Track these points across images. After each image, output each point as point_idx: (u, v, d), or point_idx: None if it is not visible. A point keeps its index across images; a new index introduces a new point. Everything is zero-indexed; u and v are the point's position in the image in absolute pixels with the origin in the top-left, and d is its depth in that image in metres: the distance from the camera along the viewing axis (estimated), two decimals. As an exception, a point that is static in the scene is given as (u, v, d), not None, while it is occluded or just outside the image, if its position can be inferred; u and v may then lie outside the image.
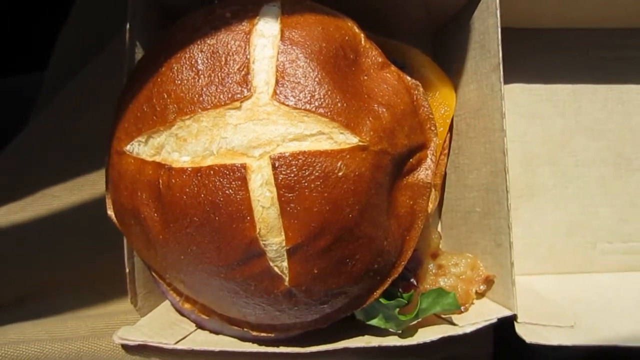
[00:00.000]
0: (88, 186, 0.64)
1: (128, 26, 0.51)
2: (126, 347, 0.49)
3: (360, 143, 0.42)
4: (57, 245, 0.63)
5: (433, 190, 0.58)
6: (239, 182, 0.40)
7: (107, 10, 0.68)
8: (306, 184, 0.40)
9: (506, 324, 0.50)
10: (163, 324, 0.53)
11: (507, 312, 0.50)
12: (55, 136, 0.65)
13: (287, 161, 0.40)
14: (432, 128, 0.49)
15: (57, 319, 0.60)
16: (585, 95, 0.66)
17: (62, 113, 0.65)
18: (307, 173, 0.40)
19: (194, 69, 0.43)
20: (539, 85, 0.66)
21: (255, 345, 0.51)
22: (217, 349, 0.49)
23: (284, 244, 0.42)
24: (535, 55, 0.66)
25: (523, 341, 0.47)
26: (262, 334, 0.49)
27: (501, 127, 0.52)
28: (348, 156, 0.41)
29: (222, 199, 0.41)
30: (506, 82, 0.53)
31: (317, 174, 0.40)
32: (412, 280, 0.51)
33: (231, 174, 0.41)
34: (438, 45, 0.67)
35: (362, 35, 0.47)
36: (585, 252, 0.65)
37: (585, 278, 0.64)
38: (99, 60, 0.65)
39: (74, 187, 0.64)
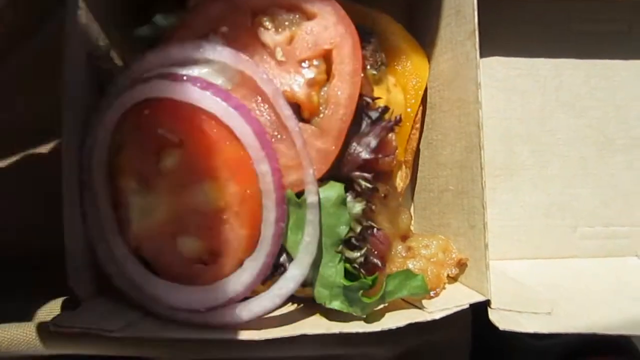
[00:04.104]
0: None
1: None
2: (62, 335, 0.45)
3: None
4: None
5: (403, 167, 0.55)
6: None
7: None
8: None
9: (485, 309, 0.47)
10: (108, 310, 0.49)
11: (480, 298, 0.48)
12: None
13: None
14: None
15: None
16: (566, 70, 0.64)
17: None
18: None
19: None
20: (519, 59, 0.63)
21: (207, 332, 0.46)
22: (165, 335, 0.45)
23: None
24: (514, 27, 0.63)
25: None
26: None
27: (476, 98, 0.49)
28: None
29: None
30: (484, 55, 0.50)
31: None
32: (376, 261, 0.47)
33: None
34: (414, 13, 0.64)
35: None
36: (564, 235, 0.63)
37: (564, 263, 0.62)
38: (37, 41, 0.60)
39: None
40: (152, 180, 0.47)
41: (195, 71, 0.46)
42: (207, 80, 0.45)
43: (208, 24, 0.48)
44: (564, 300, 0.51)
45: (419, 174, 0.61)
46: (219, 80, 0.46)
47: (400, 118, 0.48)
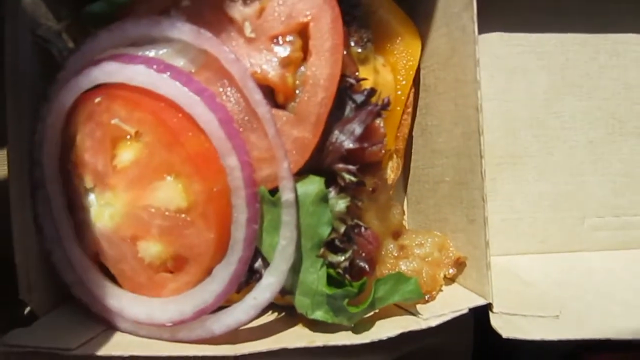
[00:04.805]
0: None
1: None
2: (12, 355, 0.41)
3: None
4: None
5: (394, 156, 0.51)
6: None
7: None
8: None
9: (486, 311, 0.44)
10: (67, 324, 0.45)
11: (480, 301, 0.45)
12: None
13: None
14: None
15: None
16: (574, 46, 0.60)
17: None
18: None
19: None
20: (521, 34, 0.59)
21: (175, 348, 0.42)
22: (126, 353, 0.41)
23: None
24: (516, -2, 0.59)
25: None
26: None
27: (474, 77, 0.45)
28: None
29: None
30: (482, 30, 0.47)
31: None
32: (363, 265, 0.42)
33: None
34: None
35: None
36: (572, 228, 0.60)
37: (572, 258, 0.59)
38: None
39: None
40: (109, 178, 0.42)
41: (152, 52, 0.41)
42: (166, 61, 0.40)
43: (168, -2, 0.43)
44: (573, 299, 0.48)
45: (412, 164, 0.58)
46: (180, 62, 0.41)
47: (389, 101, 0.44)
